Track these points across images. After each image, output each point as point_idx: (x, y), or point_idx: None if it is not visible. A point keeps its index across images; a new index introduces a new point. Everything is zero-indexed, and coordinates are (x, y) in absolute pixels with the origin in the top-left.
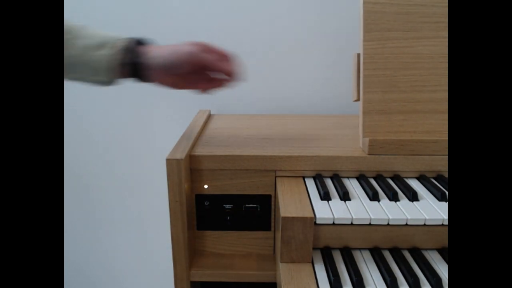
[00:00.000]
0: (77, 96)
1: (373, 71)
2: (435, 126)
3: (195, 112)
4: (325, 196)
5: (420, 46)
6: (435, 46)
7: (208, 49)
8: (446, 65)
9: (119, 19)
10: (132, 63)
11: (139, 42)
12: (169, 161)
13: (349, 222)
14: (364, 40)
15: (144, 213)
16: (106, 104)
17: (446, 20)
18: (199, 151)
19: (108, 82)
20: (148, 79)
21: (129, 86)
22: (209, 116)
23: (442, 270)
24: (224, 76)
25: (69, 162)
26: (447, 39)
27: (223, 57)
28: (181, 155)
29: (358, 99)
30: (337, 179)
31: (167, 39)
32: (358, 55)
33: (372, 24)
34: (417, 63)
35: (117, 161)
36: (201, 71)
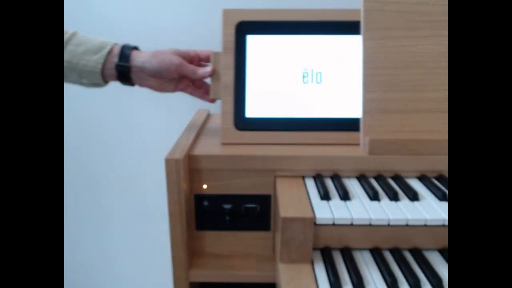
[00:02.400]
0: (77, 96)
1: (374, 70)
2: (435, 125)
3: (195, 112)
4: (325, 196)
5: (420, 45)
6: (435, 45)
7: (189, 57)
8: (447, 64)
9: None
10: (126, 66)
11: (130, 47)
12: (168, 161)
13: (349, 223)
14: (364, 39)
15: (144, 213)
16: (105, 104)
17: (447, 19)
18: (198, 151)
19: (102, 84)
20: (134, 81)
21: (129, 86)
22: (208, 116)
23: (443, 270)
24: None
25: (69, 162)
26: (447, 38)
27: (201, 60)
28: (180, 155)
29: (216, 98)
30: (337, 179)
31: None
32: (216, 53)
33: (372, 23)
34: (418, 62)
35: (116, 161)
36: (184, 77)
